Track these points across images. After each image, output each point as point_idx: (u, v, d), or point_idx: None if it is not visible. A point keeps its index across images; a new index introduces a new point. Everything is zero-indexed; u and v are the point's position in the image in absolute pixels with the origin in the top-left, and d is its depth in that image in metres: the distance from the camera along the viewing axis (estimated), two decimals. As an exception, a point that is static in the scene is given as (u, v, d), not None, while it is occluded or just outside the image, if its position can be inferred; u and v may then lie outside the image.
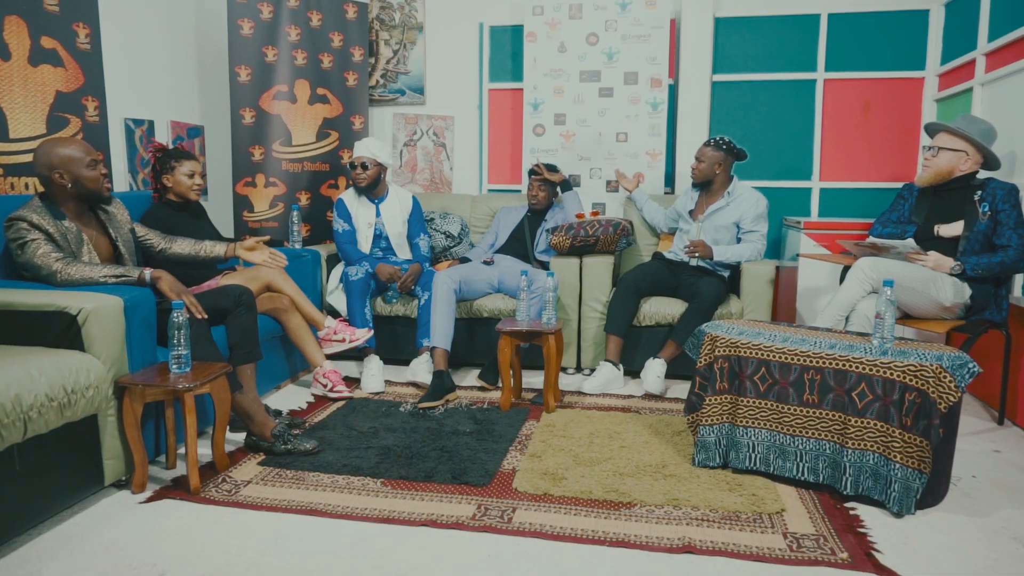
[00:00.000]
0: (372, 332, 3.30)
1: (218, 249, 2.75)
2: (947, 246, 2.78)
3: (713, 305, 3.21)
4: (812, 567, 1.76)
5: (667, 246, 3.72)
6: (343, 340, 3.19)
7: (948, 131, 2.84)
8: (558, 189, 3.83)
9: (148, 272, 2.36)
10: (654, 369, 3.17)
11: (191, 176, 2.93)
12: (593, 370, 3.51)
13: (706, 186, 3.49)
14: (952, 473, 2.21)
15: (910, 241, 2.73)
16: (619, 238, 3.53)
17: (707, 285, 3.24)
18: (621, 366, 3.30)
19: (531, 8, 4.15)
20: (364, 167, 3.54)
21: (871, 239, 2.80)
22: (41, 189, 2.40)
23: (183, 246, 2.72)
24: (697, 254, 3.33)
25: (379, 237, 3.65)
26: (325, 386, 3.10)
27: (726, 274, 3.45)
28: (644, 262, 3.67)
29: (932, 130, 2.95)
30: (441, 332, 3.19)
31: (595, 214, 3.85)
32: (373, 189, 3.62)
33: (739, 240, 3.45)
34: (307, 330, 3.13)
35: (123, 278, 2.32)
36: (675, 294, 3.43)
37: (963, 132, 2.78)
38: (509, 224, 3.88)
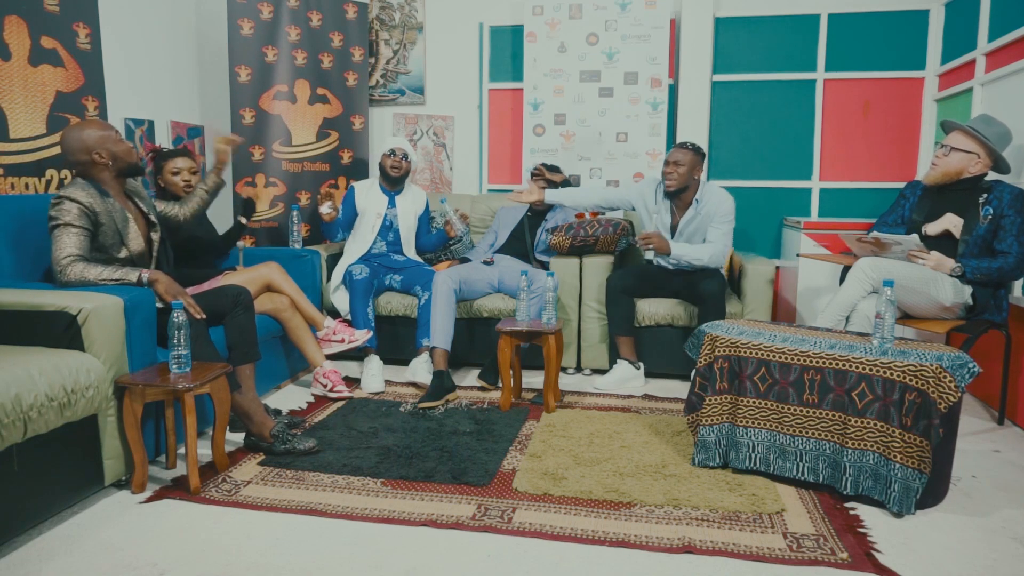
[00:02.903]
0: (371, 334, 3.30)
1: (208, 181, 2.96)
2: (947, 247, 2.76)
3: (720, 300, 3.15)
4: (812, 567, 1.76)
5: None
6: (342, 341, 3.19)
7: (962, 131, 2.79)
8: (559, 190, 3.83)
9: (145, 274, 2.36)
10: None
11: (176, 174, 2.99)
12: (594, 370, 3.51)
13: (678, 194, 3.25)
14: (952, 473, 2.21)
15: (914, 237, 2.70)
16: (619, 238, 3.53)
17: (710, 284, 3.19)
18: (641, 364, 3.29)
19: (531, 8, 4.15)
20: (406, 157, 3.63)
21: (874, 234, 2.77)
22: (42, 186, 2.41)
23: (191, 202, 2.91)
24: (652, 246, 3.14)
25: (388, 228, 3.66)
26: (325, 386, 3.10)
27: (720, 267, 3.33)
28: (628, 266, 3.59)
29: (948, 128, 2.90)
30: (441, 332, 3.19)
31: (595, 215, 3.85)
32: (400, 182, 3.69)
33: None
34: (307, 330, 3.13)
35: (122, 281, 2.32)
36: (678, 295, 3.38)
37: (977, 134, 2.73)
38: (509, 224, 3.88)
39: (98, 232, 2.34)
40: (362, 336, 3.24)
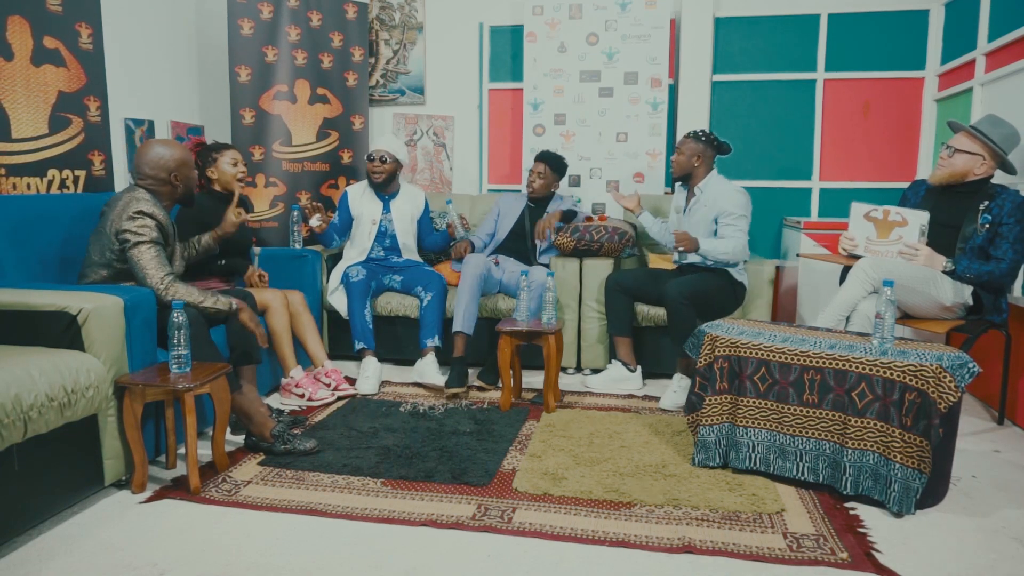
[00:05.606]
0: (335, 396, 3.04)
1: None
2: (944, 247, 2.74)
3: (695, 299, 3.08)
4: (812, 567, 1.76)
5: (657, 262, 3.68)
6: (301, 395, 3.00)
7: (967, 133, 2.74)
8: (556, 184, 3.78)
9: (235, 303, 2.46)
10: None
11: (234, 164, 2.97)
12: (594, 370, 3.51)
13: (687, 180, 3.28)
14: (952, 473, 2.21)
15: (925, 214, 2.67)
16: (623, 248, 3.49)
17: (705, 280, 3.15)
18: (638, 367, 3.28)
19: (531, 8, 4.15)
20: (383, 160, 3.51)
21: (886, 207, 2.73)
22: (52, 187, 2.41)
23: (180, 262, 2.66)
24: (682, 248, 3.10)
25: (384, 235, 3.62)
26: (328, 386, 3.07)
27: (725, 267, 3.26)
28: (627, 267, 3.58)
29: (953, 128, 2.85)
30: (465, 316, 3.20)
31: (603, 218, 3.75)
32: (387, 186, 3.59)
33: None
34: (287, 333, 3.00)
35: (217, 308, 2.41)
36: None
37: (981, 135, 2.68)
38: (510, 217, 3.81)
39: (163, 247, 2.42)
40: (324, 396, 3.00)
